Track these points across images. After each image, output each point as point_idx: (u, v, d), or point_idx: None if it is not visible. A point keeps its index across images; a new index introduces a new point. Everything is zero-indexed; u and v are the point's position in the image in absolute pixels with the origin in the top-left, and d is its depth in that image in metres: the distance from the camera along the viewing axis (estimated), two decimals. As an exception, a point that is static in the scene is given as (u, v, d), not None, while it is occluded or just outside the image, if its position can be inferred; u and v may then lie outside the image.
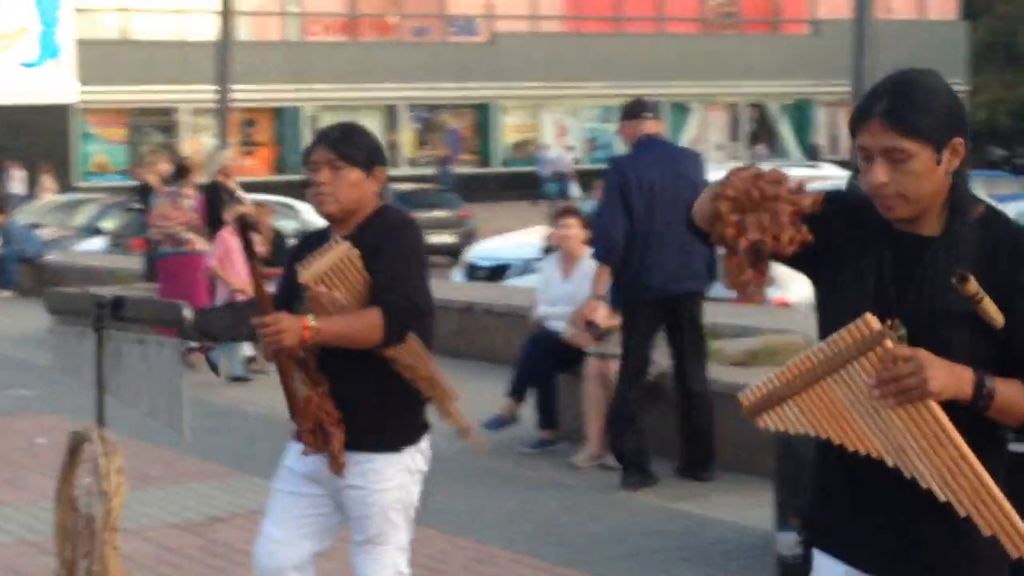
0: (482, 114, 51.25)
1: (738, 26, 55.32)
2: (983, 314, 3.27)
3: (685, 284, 9.29)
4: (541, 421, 10.48)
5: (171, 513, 8.51)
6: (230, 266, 13.93)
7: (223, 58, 20.01)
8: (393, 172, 43.72)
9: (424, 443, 5.07)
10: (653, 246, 9.10)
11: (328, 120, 49.24)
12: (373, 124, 48.89)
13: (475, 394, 12.48)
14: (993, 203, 3.49)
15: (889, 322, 3.25)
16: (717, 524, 8.38)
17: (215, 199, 15.39)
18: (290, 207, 25.77)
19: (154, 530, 8.37)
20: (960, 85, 55.35)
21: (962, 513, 3.22)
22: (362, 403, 4.80)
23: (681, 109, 53.33)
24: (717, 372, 9.80)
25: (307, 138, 48.36)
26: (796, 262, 3.43)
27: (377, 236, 4.84)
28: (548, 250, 15.37)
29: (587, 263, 10.72)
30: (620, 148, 9.63)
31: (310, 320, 4.61)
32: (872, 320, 3.21)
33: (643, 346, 9.35)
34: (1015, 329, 3.31)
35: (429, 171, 47.39)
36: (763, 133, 55.20)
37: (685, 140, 52.66)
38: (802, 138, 54.47)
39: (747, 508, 8.70)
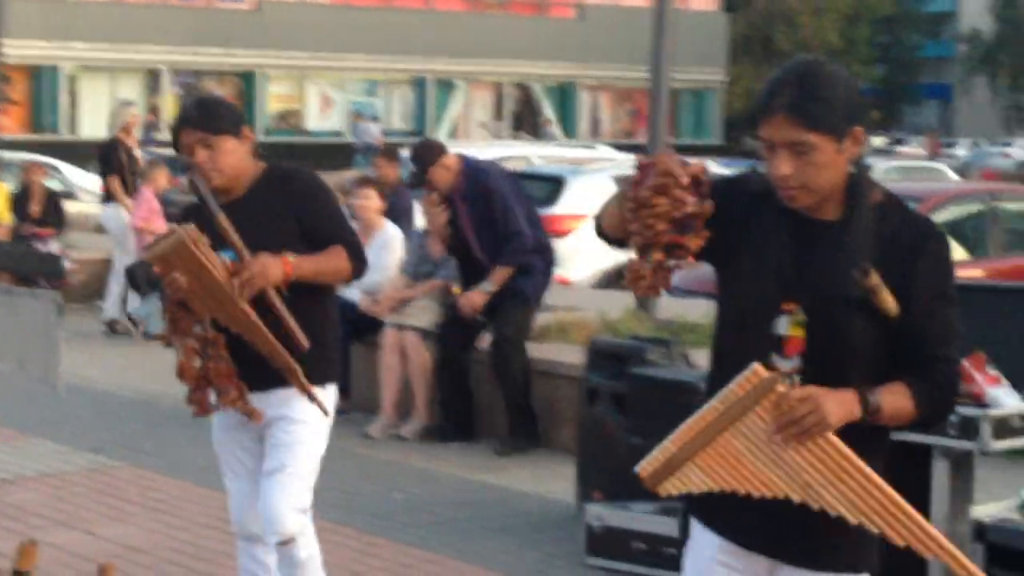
0: (247, 82, 50.59)
1: (505, 6, 55.54)
2: (879, 304, 3.32)
3: None
4: (334, 390, 10.41)
5: (-43, 476, 8.29)
6: (155, 223, 13.72)
7: (-3, 11, 19.42)
8: (157, 137, 42.90)
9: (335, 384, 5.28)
10: (540, 240, 9.77)
11: (87, 81, 48.17)
12: (134, 88, 47.95)
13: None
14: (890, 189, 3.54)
15: (791, 306, 3.32)
16: (518, 496, 8.45)
17: (110, 155, 14.84)
18: (52, 167, 25.20)
19: (-58, 492, 8.15)
20: (718, 75, 56.55)
21: (875, 531, 3.29)
22: (288, 342, 4.93)
23: (446, 86, 53.38)
24: (513, 346, 9.87)
25: (64, 98, 47.22)
26: (700, 253, 3.43)
27: (283, 195, 5.06)
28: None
29: (384, 234, 10.74)
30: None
31: (289, 256, 4.88)
32: (761, 369, 3.26)
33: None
34: (908, 318, 3.36)
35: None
36: (527, 114, 55.55)
37: (449, 118, 52.84)
38: (566, 120, 54.95)
39: (543, 480, 8.81)
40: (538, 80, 55.07)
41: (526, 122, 54.65)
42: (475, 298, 9.58)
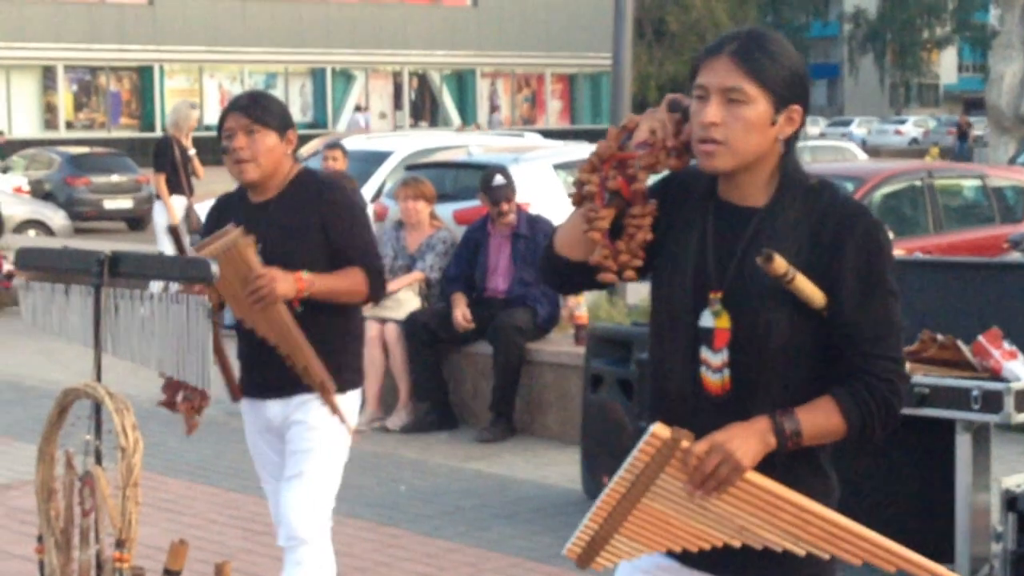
0: (143, 77, 50.22)
1: (400, -4, 55.66)
2: (798, 293, 3.13)
3: None
4: (314, 385, 10.49)
5: (-46, 483, 8.28)
6: None
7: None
8: (52, 136, 42.54)
9: (359, 391, 5.25)
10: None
11: (-18, 79, 47.62)
12: (29, 85, 47.40)
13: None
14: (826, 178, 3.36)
15: (715, 296, 3.17)
16: (516, 483, 8.56)
17: (163, 152, 14.74)
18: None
19: (-54, 499, 8.13)
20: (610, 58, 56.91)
21: (826, 557, 3.13)
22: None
23: (345, 76, 53.31)
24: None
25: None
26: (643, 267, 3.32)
27: (315, 203, 5.01)
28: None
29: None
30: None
31: (303, 273, 4.83)
32: (661, 430, 3.09)
33: None
34: (838, 308, 3.16)
35: (88, 135, 46.20)
36: (425, 102, 55.62)
37: (349, 108, 52.71)
38: (464, 108, 55.08)
39: (537, 467, 8.94)
40: (436, 68, 55.16)
41: (424, 110, 54.70)
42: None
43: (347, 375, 5.12)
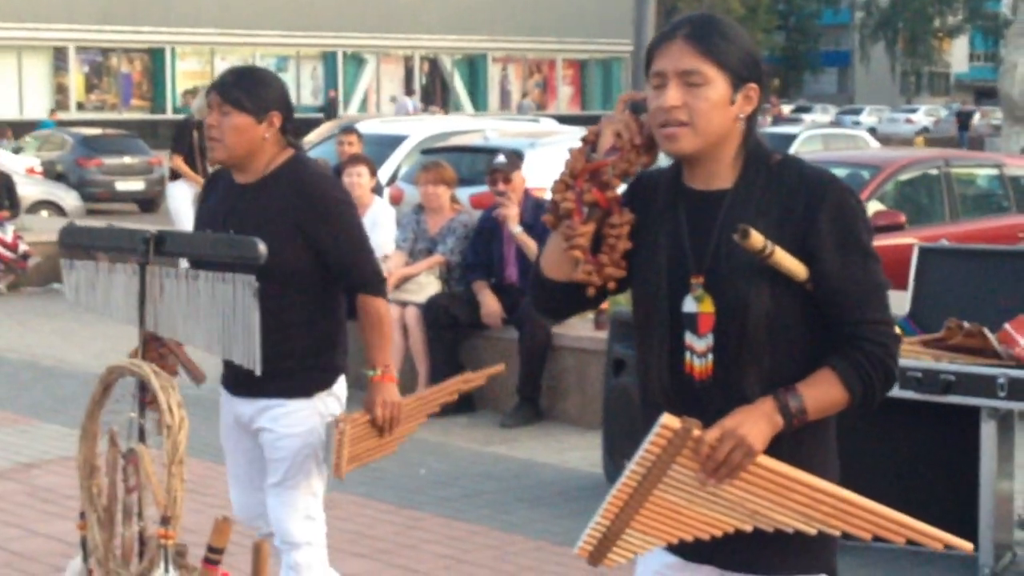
0: (154, 59, 50.25)
1: (411, -20, 55.61)
2: (779, 268, 3.14)
3: None
4: (334, 367, 10.54)
5: (-23, 461, 8.32)
6: None
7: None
8: (63, 117, 42.55)
9: (338, 387, 5.02)
10: None
11: (-9, 61, 47.71)
12: (40, 66, 47.41)
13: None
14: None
15: (696, 281, 3.18)
16: (537, 467, 8.59)
17: (181, 134, 15.24)
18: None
19: (-31, 478, 8.18)
20: (626, 45, 56.88)
21: (836, 534, 3.13)
22: (269, 350, 4.54)
23: (356, 60, 53.31)
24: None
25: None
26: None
27: (292, 200, 4.75)
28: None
29: (375, 211, 10.86)
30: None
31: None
32: (671, 421, 3.07)
33: None
34: (820, 279, 3.18)
35: (99, 116, 46.22)
36: (436, 87, 55.63)
37: (360, 92, 52.73)
38: (475, 93, 55.09)
39: (558, 451, 8.97)
40: (447, 53, 55.15)
41: (435, 95, 54.68)
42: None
43: (307, 378, 4.91)
